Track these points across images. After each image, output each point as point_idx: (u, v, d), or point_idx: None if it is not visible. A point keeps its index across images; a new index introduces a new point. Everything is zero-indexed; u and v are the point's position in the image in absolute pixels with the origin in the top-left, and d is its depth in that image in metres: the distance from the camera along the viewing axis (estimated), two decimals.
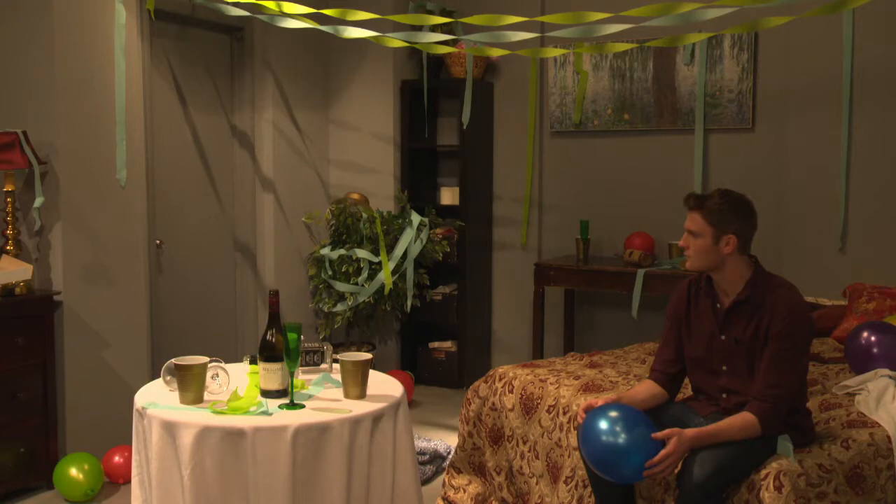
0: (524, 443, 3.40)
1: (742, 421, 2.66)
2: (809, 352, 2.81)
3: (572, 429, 3.18)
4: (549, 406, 3.33)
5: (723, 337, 2.84)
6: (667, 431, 2.61)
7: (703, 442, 2.62)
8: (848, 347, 3.58)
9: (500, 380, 3.56)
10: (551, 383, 3.42)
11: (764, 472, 2.56)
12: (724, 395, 2.84)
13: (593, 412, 2.71)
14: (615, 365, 3.76)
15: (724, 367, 2.84)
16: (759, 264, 2.86)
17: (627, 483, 2.79)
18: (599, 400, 2.83)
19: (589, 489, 3.04)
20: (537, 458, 3.32)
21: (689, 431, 2.62)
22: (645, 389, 2.95)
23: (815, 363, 3.76)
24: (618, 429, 2.60)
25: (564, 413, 3.25)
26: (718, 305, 2.86)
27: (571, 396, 3.29)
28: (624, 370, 3.66)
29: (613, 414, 2.65)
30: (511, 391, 3.49)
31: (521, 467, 3.40)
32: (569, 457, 3.16)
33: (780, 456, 2.64)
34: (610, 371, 3.63)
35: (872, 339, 3.47)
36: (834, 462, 2.69)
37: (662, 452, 2.56)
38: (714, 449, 2.62)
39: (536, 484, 3.32)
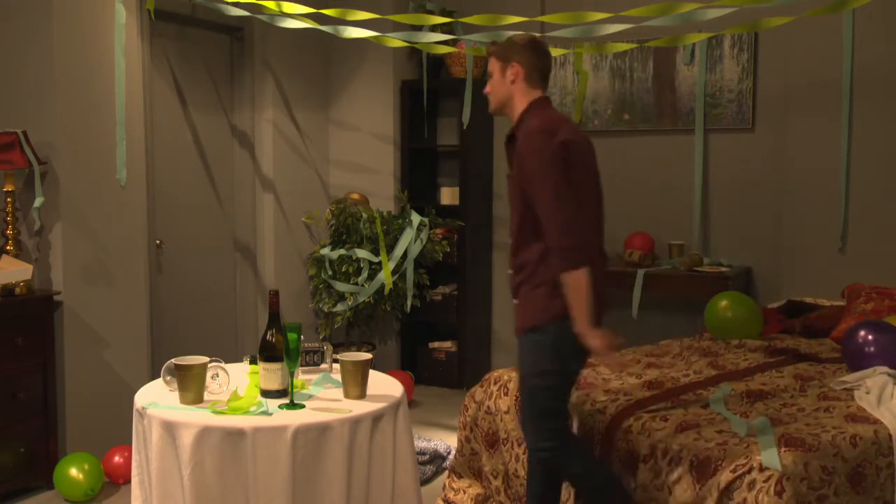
0: (518, 445, 3.39)
1: (566, 285, 2.67)
2: (557, 180, 2.65)
3: None
4: None
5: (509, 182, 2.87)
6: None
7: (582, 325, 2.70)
8: (845, 346, 3.58)
9: (496, 383, 3.56)
10: None
11: (767, 473, 2.55)
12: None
13: None
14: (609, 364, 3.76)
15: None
16: (543, 102, 2.84)
17: None
18: None
19: None
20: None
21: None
22: None
23: (813, 363, 3.76)
24: None
25: None
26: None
27: None
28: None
29: None
30: (506, 394, 3.49)
31: (516, 470, 3.40)
32: None
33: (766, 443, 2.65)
34: (604, 369, 3.63)
35: (869, 337, 3.47)
36: (838, 462, 2.68)
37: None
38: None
39: None
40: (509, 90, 2.86)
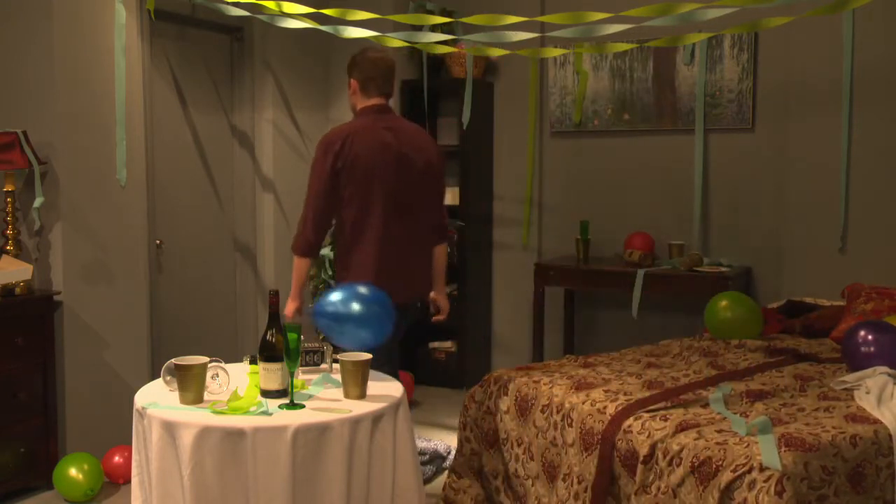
0: (519, 445, 3.40)
1: None
2: (313, 185, 3.38)
3: (567, 426, 3.18)
4: (543, 406, 3.33)
5: None
6: None
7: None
8: (845, 346, 3.58)
9: (496, 383, 3.56)
10: (545, 384, 3.42)
11: (767, 472, 2.55)
12: None
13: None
14: (609, 364, 3.76)
15: None
16: (369, 110, 3.44)
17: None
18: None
19: (584, 485, 3.04)
20: (532, 459, 3.32)
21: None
22: None
23: (813, 363, 3.76)
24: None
25: (558, 411, 3.25)
26: None
27: (564, 395, 3.29)
28: (618, 368, 3.66)
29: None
30: (506, 394, 3.50)
31: (516, 470, 3.40)
32: (565, 454, 3.17)
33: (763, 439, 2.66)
34: (603, 369, 3.63)
35: (869, 337, 3.47)
36: (838, 462, 2.68)
37: None
38: None
39: (532, 486, 3.32)
40: (353, 100, 3.51)
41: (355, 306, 2.76)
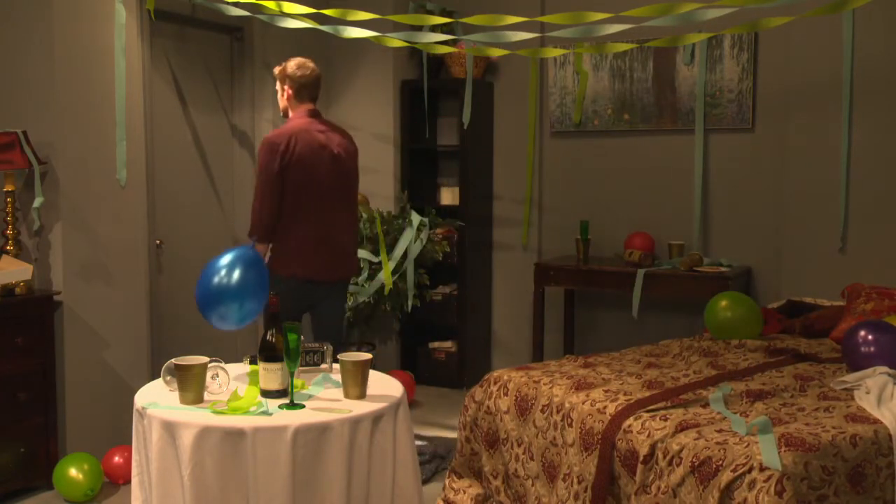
0: (519, 445, 3.40)
1: None
2: (264, 180, 3.74)
3: (567, 426, 3.18)
4: (543, 406, 3.33)
5: None
6: None
7: None
8: (845, 346, 3.58)
9: (495, 383, 3.56)
10: (545, 383, 3.42)
11: (767, 472, 2.55)
12: None
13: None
14: (609, 364, 3.76)
15: None
16: (303, 114, 3.84)
17: None
18: None
19: (584, 485, 3.04)
20: (532, 459, 3.32)
21: None
22: None
23: (813, 363, 3.76)
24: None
25: (558, 411, 3.25)
26: None
27: (564, 395, 3.29)
28: (618, 368, 3.66)
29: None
30: (506, 394, 3.49)
31: (516, 470, 3.40)
32: (565, 454, 3.17)
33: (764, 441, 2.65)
34: (603, 369, 3.63)
35: (869, 337, 3.47)
36: (838, 462, 2.68)
37: None
38: None
39: (532, 485, 3.32)
40: (286, 104, 3.90)
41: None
